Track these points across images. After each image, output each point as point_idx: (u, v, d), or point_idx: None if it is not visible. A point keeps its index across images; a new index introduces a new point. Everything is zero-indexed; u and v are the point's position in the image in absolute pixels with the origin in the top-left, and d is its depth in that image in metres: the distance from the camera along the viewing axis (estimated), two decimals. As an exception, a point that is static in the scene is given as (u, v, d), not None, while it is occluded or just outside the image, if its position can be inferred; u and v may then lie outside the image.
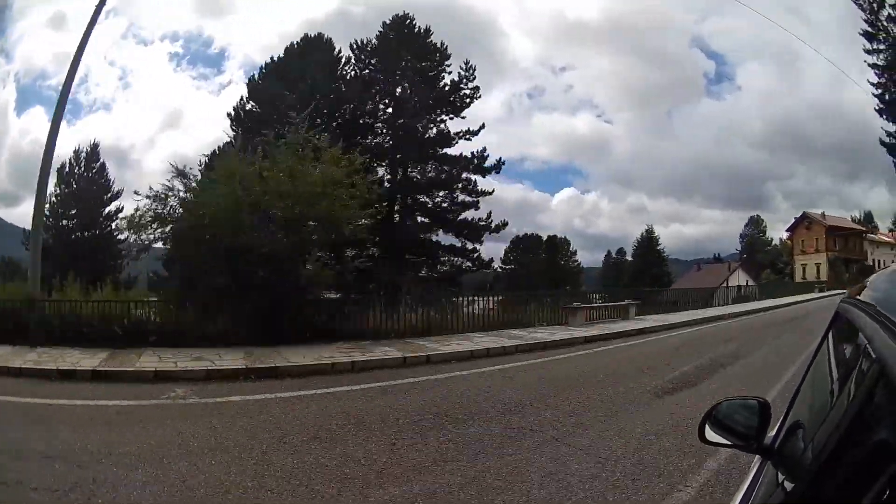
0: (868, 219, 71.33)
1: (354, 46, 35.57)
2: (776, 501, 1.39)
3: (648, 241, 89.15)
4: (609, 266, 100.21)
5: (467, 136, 35.49)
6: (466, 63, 36.78)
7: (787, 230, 66.98)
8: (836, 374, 1.50)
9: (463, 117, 35.70)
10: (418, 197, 35.71)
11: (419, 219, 36.01)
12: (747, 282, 61.44)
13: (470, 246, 36.84)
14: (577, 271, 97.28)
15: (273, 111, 27.92)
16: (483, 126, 36.11)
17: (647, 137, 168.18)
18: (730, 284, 53.62)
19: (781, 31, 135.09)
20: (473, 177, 35.54)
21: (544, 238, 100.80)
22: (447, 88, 35.85)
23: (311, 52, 33.26)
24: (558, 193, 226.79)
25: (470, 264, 38.64)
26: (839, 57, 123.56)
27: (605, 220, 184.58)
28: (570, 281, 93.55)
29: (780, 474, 1.49)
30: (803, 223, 63.06)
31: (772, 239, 76.03)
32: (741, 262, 68.45)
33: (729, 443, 1.77)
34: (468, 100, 35.96)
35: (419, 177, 35.43)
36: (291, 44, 34.67)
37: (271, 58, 34.63)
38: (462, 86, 35.91)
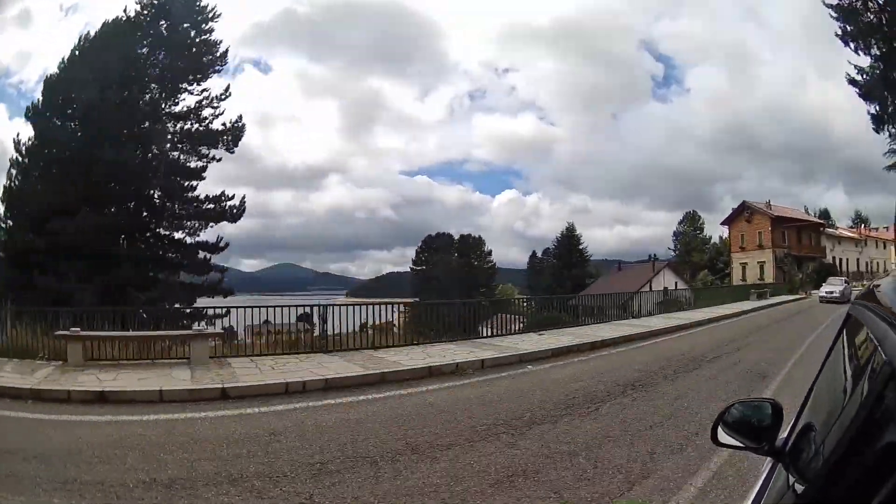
0: (824, 217, 59.44)
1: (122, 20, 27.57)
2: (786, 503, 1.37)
3: (569, 240, 74.03)
4: (534, 267, 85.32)
5: (213, 104, 27.09)
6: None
7: (722, 223, 51.27)
8: (848, 376, 1.42)
9: (199, 78, 27.42)
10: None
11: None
12: (676, 284, 48.14)
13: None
14: (492, 272, 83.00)
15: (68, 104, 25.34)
16: (228, 90, 27.74)
17: (591, 139, 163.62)
18: (654, 288, 41.50)
19: (733, 33, 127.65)
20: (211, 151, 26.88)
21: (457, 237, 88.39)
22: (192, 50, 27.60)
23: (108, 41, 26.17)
24: (499, 195, 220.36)
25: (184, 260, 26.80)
26: (796, 60, 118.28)
27: (546, 221, 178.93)
28: (483, 282, 78.89)
29: (790, 476, 1.42)
30: (743, 214, 47.41)
31: (710, 237, 63.25)
32: (668, 261, 53.17)
33: (741, 444, 1.71)
34: (208, 58, 27.74)
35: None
36: (88, 33, 27.17)
37: (72, 51, 27.28)
38: (198, 40, 27.56)
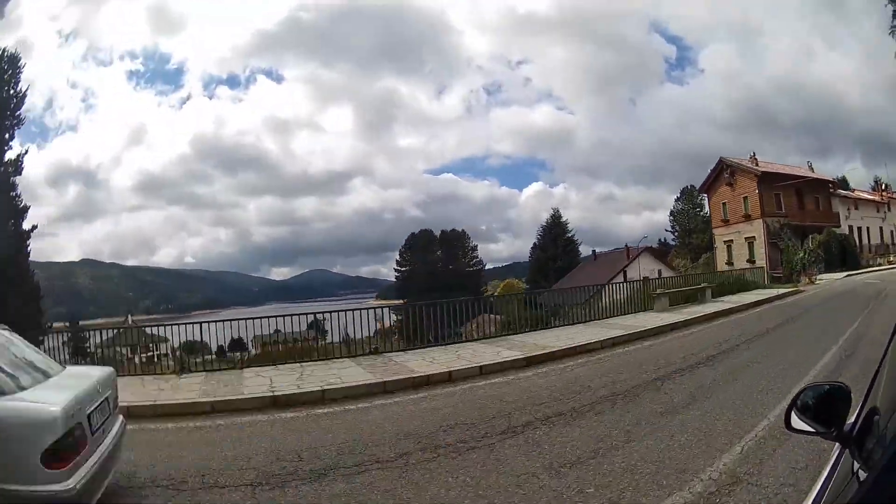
0: (843, 186, 47.65)
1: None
2: (850, 492, 1.27)
3: (553, 228, 64.32)
4: (534, 261, 75.99)
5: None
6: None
7: (700, 189, 40.39)
8: None
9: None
10: None
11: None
12: (659, 272, 40.23)
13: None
14: (479, 269, 74.12)
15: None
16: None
17: (610, 126, 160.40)
18: (630, 277, 35.94)
19: (735, 7, 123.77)
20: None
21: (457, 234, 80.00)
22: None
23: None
24: (526, 188, 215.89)
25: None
26: (800, 29, 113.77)
27: (574, 211, 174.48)
28: (468, 280, 70.32)
29: (855, 463, 1.37)
30: (722, 177, 36.68)
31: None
32: (641, 247, 43.91)
33: (813, 430, 1.66)
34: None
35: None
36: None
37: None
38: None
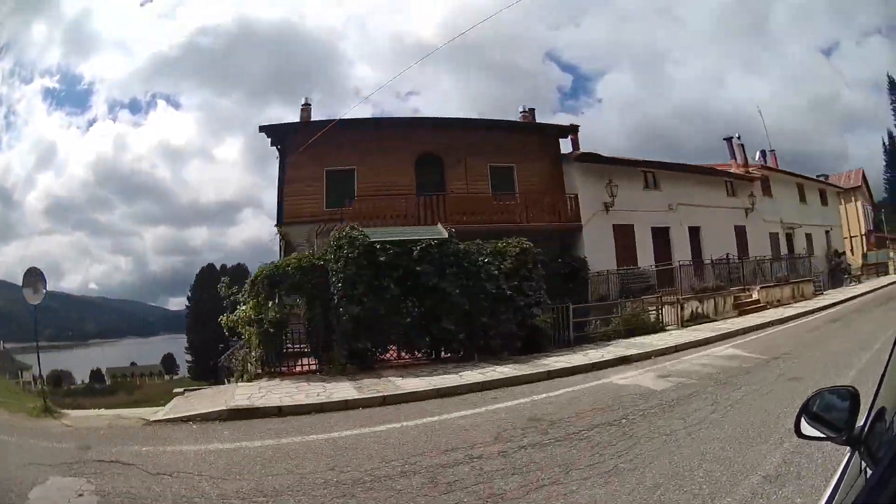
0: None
1: None
2: (857, 491, 1.27)
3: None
4: None
5: None
6: None
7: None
8: None
9: None
10: None
11: None
12: None
13: None
14: None
15: None
16: None
17: None
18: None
19: (642, 35, 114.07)
20: None
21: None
22: None
23: None
24: None
25: None
26: (714, 57, 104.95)
27: None
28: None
29: (863, 462, 1.39)
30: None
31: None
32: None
33: (823, 436, 1.63)
34: None
35: None
36: None
37: None
38: None
